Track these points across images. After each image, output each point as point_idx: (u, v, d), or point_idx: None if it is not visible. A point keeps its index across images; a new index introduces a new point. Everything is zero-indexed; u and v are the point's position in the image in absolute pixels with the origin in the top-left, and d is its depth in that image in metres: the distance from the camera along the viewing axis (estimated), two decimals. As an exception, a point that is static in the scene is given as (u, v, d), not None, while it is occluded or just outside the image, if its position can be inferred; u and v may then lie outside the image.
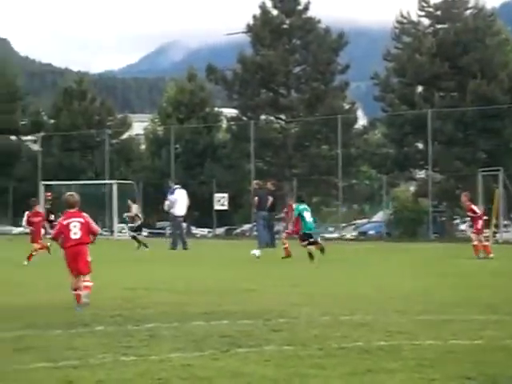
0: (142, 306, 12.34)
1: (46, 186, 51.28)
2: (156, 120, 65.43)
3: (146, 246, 31.86)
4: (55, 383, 7.02)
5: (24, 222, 24.93)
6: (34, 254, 23.65)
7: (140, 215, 35.17)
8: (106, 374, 7.31)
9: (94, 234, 12.81)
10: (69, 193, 13.33)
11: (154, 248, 32.16)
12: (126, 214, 35.82)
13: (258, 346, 8.70)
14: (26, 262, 22.89)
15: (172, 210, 32.32)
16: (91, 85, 69.32)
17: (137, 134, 66.75)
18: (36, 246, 24.14)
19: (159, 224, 57.47)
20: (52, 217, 43.63)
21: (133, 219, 34.82)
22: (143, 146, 65.68)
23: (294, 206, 24.86)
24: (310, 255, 23.46)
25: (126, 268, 21.87)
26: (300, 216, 24.28)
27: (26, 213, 25.12)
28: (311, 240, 24.09)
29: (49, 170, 57.97)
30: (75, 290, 12.38)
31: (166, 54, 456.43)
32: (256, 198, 32.23)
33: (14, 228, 61.07)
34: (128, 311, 11.71)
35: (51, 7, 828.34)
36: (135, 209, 35.16)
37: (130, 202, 35.60)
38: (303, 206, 24.64)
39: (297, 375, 7.25)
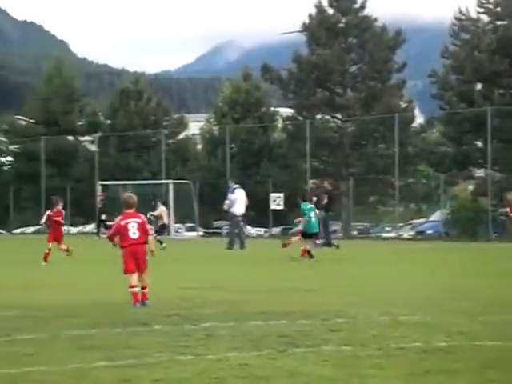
0: (198, 306, 12.35)
1: (103, 186, 51.80)
2: (212, 120, 65.62)
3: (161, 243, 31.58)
4: (113, 382, 7.05)
5: (43, 221, 24.62)
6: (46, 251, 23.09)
7: (165, 218, 34.91)
8: (164, 373, 7.31)
9: (148, 235, 12.98)
10: (127, 194, 13.56)
11: (211, 248, 32.22)
12: (150, 214, 35.62)
13: (316, 346, 8.63)
14: (43, 263, 22.50)
15: (232, 210, 32.47)
16: (147, 85, 69.75)
17: (193, 134, 66.99)
18: (62, 246, 23.88)
19: (216, 223, 57.62)
20: (103, 216, 44.09)
21: (157, 219, 34.65)
22: (199, 146, 65.90)
23: (302, 205, 24.76)
24: (310, 253, 23.64)
25: (182, 267, 21.95)
26: (305, 216, 24.37)
27: (48, 211, 24.80)
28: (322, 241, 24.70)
29: (105, 170, 58.47)
30: (132, 287, 12.54)
31: (222, 53, 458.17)
32: (314, 197, 32.15)
33: (71, 228, 61.84)
34: (185, 310, 11.72)
35: (109, 9, 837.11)
36: (163, 211, 35.03)
37: (159, 202, 35.47)
38: (310, 206, 24.59)
39: (355, 375, 7.17)
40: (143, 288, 12.63)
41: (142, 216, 12.94)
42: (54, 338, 9.33)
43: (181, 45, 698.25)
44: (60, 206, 24.15)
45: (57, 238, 23.84)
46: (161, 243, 31.17)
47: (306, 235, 24.31)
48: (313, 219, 24.33)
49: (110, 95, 71.10)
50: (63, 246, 23.97)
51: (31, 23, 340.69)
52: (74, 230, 61.59)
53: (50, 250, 23.13)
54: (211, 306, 12.24)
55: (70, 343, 8.97)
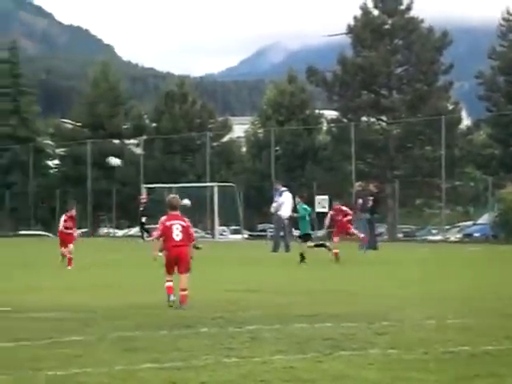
0: (243, 308, 12.35)
1: (148, 189, 52.06)
2: (256, 122, 65.65)
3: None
4: (160, 384, 7.08)
5: (61, 226, 23.72)
6: (68, 256, 22.84)
7: None
8: (209, 376, 7.32)
9: (191, 237, 13.05)
10: (172, 195, 13.63)
11: (255, 250, 32.22)
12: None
13: (362, 349, 8.58)
14: (69, 267, 22.16)
15: (279, 212, 32.44)
16: (192, 88, 70.01)
17: (238, 137, 67.09)
18: (64, 249, 23.25)
19: (260, 226, 57.64)
20: (144, 219, 44.27)
21: None
22: (244, 149, 65.98)
23: (302, 206, 24.98)
24: (302, 256, 23.84)
25: (226, 270, 21.97)
26: (303, 217, 24.68)
27: (63, 216, 24.14)
28: (320, 243, 25.01)
29: (150, 173, 58.79)
30: (168, 281, 12.79)
31: (266, 56, 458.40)
32: (359, 200, 32.02)
33: (117, 231, 62.30)
34: (230, 313, 11.73)
35: (154, 13, 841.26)
36: None
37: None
38: (305, 207, 24.93)
39: (401, 379, 7.11)
40: (183, 290, 12.67)
41: (187, 220, 13.03)
42: (100, 340, 9.39)
43: (225, 48, 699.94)
44: (73, 211, 23.87)
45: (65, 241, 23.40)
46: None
47: (306, 236, 24.62)
48: (307, 221, 24.81)
49: (155, 98, 71.47)
50: (64, 250, 23.27)
51: (78, 27, 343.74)
52: (120, 232, 62.06)
53: (69, 253, 22.96)
54: (256, 309, 12.23)
55: (117, 345, 9.01)
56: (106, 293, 15.19)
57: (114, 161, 27.27)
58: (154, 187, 52.53)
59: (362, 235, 27.90)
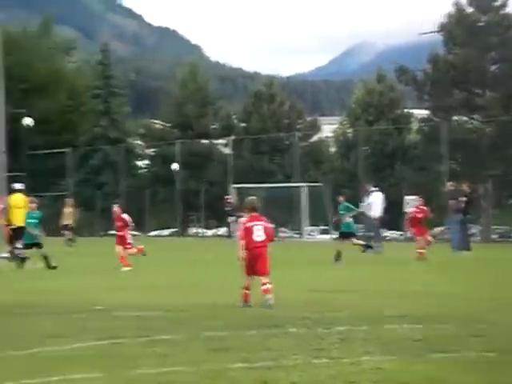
0: (331, 309, 12.26)
1: (237, 189, 52.28)
2: (345, 122, 65.32)
3: None
4: (250, 383, 7.04)
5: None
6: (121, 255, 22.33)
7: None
8: (299, 376, 7.28)
9: (271, 238, 13.25)
10: (251, 197, 13.87)
11: (344, 251, 31.90)
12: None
13: (455, 352, 8.39)
14: (126, 269, 21.61)
15: (369, 212, 32.20)
16: (280, 88, 70.05)
17: (326, 137, 66.91)
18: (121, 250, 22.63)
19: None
20: (229, 219, 44.42)
21: None
22: (332, 149, 65.75)
23: (345, 205, 25.18)
24: (339, 254, 24.02)
25: (313, 270, 21.85)
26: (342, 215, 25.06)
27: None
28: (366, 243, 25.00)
29: (239, 173, 59.05)
30: (246, 288, 12.87)
31: (355, 55, 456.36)
32: (452, 200, 31.53)
33: (206, 230, 62.73)
34: (318, 313, 11.65)
35: (241, 13, 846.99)
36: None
37: None
38: (347, 205, 25.51)
39: (499, 383, 6.91)
40: (265, 291, 12.75)
41: (267, 220, 13.25)
42: (191, 339, 9.43)
43: (314, 47, 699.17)
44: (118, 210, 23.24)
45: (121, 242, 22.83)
46: None
47: (344, 235, 24.91)
48: (348, 219, 25.12)
49: (244, 98, 71.78)
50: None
51: (166, 29, 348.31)
52: (209, 232, 62.50)
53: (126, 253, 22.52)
54: (344, 310, 12.12)
55: (207, 344, 9.03)
56: (195, 292, 15.27)
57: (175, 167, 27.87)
58: (242, 187, 52.73)
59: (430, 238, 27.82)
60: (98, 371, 7.49)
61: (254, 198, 13.74)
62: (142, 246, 23.38)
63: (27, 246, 22.62)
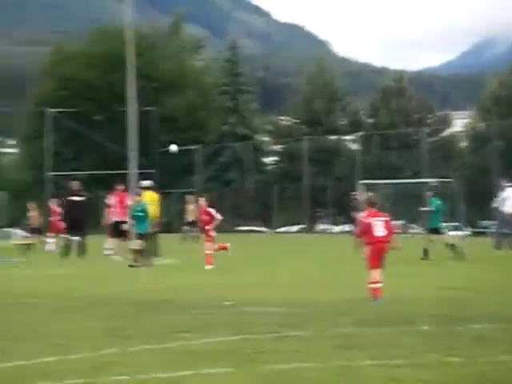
0: (462, 306, 11.97)
1: (365, 185, 51.82)
2: (476, 116, 63.91)
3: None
4: (381, 381, 6.92)
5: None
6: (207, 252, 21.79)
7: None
8: (432, 375, 7.11)
9: (392, 233, 13.30)
10: (371, 193, 14.22)
11: (476, 248, 31.16)
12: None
13: None
14: (210, 267, 21.10)
15: (502, 208, 31.32)
16: (409, 83, 69.12)
17: (457, 131, 65.63)
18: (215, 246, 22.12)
19: (483, 223, 55.97)
20: (356, 215, 43.91)
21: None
22: (464, 144, 64.44)
23: (435, 201, 24.37)
24: (426, 251, 23.61)
25: (444, 267, 21.37)
26: (435, 211, 24.65)
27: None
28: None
29: (367, 168, 58.55)
30: (374, 283, 12.93)
31: (486, 48, 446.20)
32: None
33: (333, 226, 62.51)
34: (450, 311, 11.39)
35: (369, 7, 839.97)
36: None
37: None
38: (438, 202, 24.84)
39: None
40: (374, 283, 12.97)
41: (387, 215, 13.38)
42: (319, 336, 9.35)
43: (444, 41, 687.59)
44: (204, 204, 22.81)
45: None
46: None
47: (434, 231, 24.45)
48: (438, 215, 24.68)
49: (371, 94, 71.20)
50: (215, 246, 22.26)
51: (294, 25, 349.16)
52: (336, 228, 62.28)
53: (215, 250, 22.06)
54: (476, 308, 11.79)
55: (335, 341, 8.93)
56: (323, 288, 15.17)
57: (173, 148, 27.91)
58: (369, 183, 52.20)
59: None
60: (228, 366, 7.52)
61: (373, 194, 13.99)
62: (227, 244, 22.88)
63: (141, 236, 22.51)
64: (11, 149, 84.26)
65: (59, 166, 54.44)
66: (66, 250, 26.84)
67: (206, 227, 22.02)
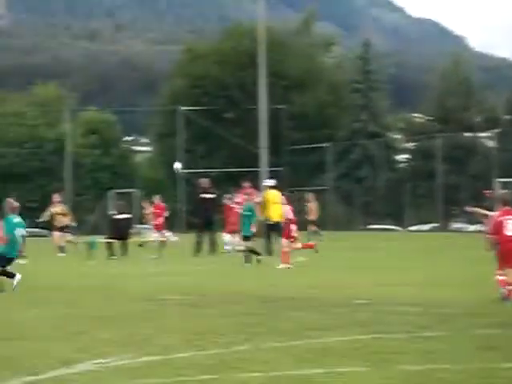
0: None
1: (502, 183, 50.51)
2: None
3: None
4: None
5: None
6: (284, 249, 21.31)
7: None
8: None
9: None
10: (504, 191, 13.44)
11: None
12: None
13: None
14: (283, 266, 20.58)
15: None
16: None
17: None
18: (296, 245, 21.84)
19: None
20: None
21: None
22: None
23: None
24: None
25: None
26: None
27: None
28: None
29: (504, 166, 56.98)
30: (509, 285, 12.51)
31: None
32: None
33: (469, 225, 61.10)
34: None
35: (507, 1, 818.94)
36: None
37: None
38: None
39: None
40: (510, 284, 12.47)
41: None
42: (455, 337, 9.11)
43: None
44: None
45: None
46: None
47: None
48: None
49: (509, 89, 69.36)
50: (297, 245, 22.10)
51: (428, 20, 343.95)
52: (471, 227, 60.84)
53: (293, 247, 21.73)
54: None
55: (474, 342, 8.67)
56: (462, 288, 14.78)
57: (177, 166, 27.36)
58: (508, 181, 50.84)
59: None
60: (360, 365, 7.40)
61: (506, 192, 13.61)
62: (313, 243, 22.36)
63: (246, 238, 22.50)
64: (144, 147, 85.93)
65: (191, 164, 55.14)
66: (198, 247, 27.07)
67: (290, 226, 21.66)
